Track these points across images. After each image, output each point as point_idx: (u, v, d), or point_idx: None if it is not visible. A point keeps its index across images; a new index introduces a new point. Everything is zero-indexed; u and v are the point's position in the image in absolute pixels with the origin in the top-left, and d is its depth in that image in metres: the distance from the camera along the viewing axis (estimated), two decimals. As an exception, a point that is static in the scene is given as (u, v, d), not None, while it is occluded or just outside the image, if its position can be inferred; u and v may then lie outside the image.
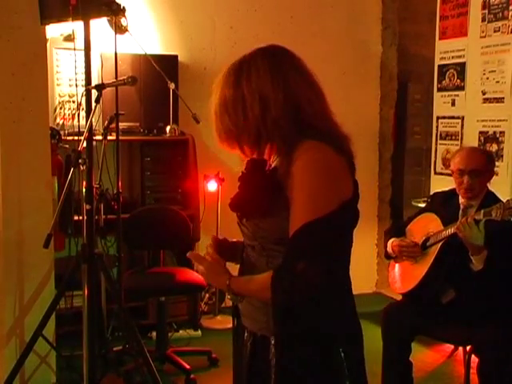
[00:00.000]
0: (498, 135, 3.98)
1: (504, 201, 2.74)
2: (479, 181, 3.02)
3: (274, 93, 1.55)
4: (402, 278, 3.22)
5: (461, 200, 3.10)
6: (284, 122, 1.54)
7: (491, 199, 2.97)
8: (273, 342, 1.60)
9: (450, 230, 2.92)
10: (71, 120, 3.99)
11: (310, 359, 1.57)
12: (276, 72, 1.57)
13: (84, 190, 2.92)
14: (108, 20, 3.61)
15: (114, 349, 3.64)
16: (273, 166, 1.61)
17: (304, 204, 1.49)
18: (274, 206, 1.53)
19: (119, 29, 3.56)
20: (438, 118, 4.52)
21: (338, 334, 1.60)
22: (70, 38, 3.60)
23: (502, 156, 3.94)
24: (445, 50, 4.43)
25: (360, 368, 1.67)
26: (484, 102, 4.10)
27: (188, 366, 3.59)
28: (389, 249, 3.23)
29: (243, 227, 1.65)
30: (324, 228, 1.48)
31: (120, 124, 3.57)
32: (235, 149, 1.63)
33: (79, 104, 3.12)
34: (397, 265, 3.27)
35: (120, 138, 3.55)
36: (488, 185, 3.09)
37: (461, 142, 4.26)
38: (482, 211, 2.78)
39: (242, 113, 1.57)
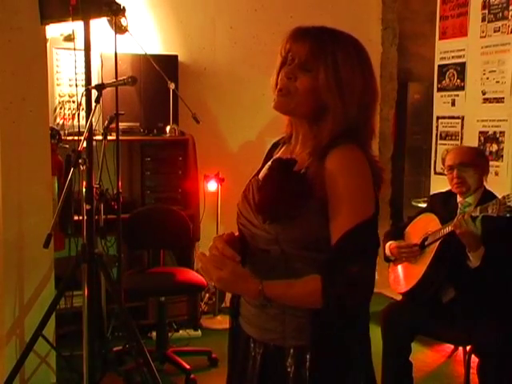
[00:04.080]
0: (497, 135, 3.98)
1: (500, 197, 2.76)
2: (470, 174, 3.04)
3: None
4: (402, 278, 3.22)
5: (459, 199, 3.11)
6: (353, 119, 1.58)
7: (489, 198, 2.97)
8: (291, 351, 1.53)
9: (448, 228, 2.94)
10: (71, 120, 3.98)
11: (341, 369, 1.56)
12: (365, 65, 1.64)
13: (84, 189, 2.92)
14: (108, 20, 3.60)
15: (114, 349, 3.64)
16: (299, 162, 1.52)
17: (348, 207, 1.43)
18: (303, 210, 1.44)
19: (119, 29, 3.55)
20: (438, 117, 4.52)
21: (363, 345, 1.63)
22: (70, 38, 3.60)
23: (502, 156, 3.93)
24: (445, 50, 4.43)
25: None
26: (484, 102, 4.10)
27: (188, 366, 3.58)
28: (387, 251, 3.24)
29: (259, 230, 1.53)
30: (370, 229, 1.45)
31: (120, 124, 3.56)
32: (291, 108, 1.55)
33: (79, 104, 3.12)
34: (397, 265, 3.27)
35: (120, 138, 3.55)
36: (485, 184, 3.10)
37: (461, 142, 4.26)
38: (479, 208, 2.81)
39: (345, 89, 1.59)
